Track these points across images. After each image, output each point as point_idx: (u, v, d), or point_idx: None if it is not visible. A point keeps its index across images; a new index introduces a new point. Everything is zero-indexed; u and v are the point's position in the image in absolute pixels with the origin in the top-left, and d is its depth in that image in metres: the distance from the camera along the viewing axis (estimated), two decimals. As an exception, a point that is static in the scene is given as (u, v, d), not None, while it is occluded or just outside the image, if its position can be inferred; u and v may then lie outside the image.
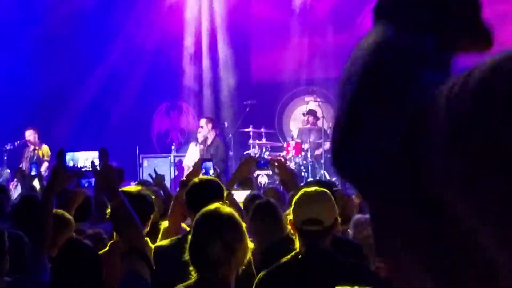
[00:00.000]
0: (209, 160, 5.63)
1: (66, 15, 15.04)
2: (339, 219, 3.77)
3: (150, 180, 7.08)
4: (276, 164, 5.88)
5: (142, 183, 6.59)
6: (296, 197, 3.71)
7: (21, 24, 14.64)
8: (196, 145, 12.71)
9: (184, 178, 5.24)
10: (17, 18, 14.65)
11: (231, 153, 13.08)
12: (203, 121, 12.53)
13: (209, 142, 12.35)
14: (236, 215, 3.16)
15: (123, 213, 3.27)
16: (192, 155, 12.66)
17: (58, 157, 3.63)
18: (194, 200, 4.16)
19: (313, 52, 14.33)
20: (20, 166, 12.14)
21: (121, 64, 15.28)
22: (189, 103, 15.78)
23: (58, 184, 3.70)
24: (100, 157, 3.50)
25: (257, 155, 12.56)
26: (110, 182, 3.38)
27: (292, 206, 3.69)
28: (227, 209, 3.17)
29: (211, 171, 5.34)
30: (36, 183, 8.40)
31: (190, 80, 15.34)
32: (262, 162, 6.42)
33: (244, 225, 3.15)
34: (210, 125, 12.40)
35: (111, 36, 15.38)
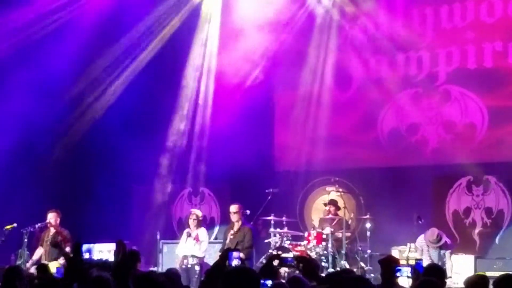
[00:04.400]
0: (235, 250, 5.56)
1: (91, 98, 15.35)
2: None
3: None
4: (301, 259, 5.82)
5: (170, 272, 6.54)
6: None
7: (42, 120, 14.66)
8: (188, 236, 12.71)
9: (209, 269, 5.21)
10: (40, 104, 14.68)
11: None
12: (235, 207, 12.47)
13: (235, 228, 12.35)
14: None
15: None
16: (183, 245, 12.70)
17: (74, 250, 3.65)
18: None
19: (335, 143, 14.37)
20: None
21: (144, 150, 15.37)
22: (211, 189, 15.81)
23: (73, 274, 3.70)
24: (117, 249, 3.52)
25: (277, 244, 12.48)
26: (125, 272, 3.42)
27: None
28: None
29: (236, 262, 5.27)
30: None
31: (212, 167, 15.37)
32: (288, 259, 6.42)
33: None
34: (240, 212, 12.39)
35: (135, 123, 15.51)
